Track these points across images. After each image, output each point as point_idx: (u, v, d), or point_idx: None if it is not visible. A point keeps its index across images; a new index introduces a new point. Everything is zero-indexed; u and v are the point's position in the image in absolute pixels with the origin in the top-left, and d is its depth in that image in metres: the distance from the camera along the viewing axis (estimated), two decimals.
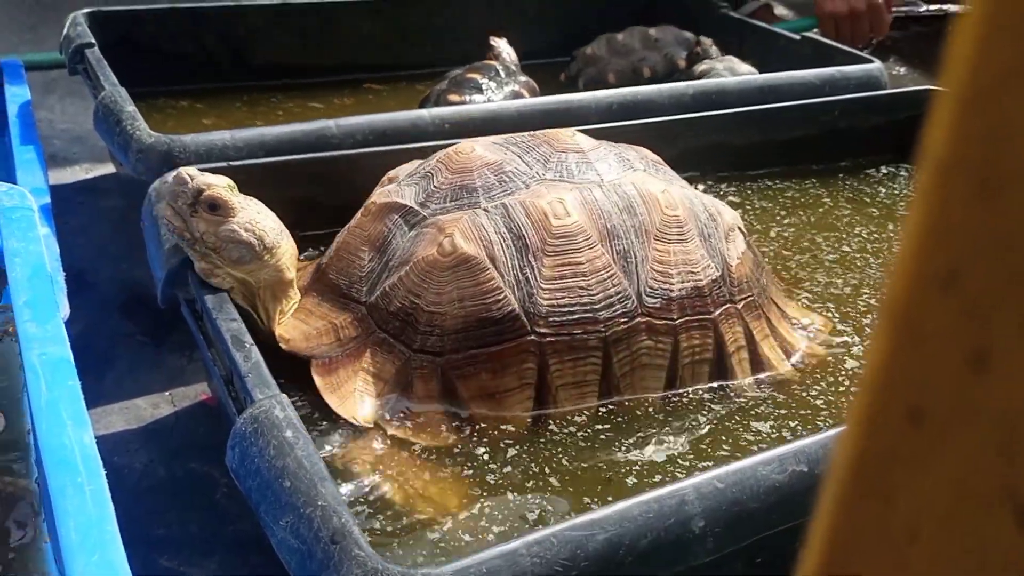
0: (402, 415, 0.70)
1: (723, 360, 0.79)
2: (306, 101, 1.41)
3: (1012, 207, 0.12)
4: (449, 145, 0.91)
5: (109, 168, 1.37)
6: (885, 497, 0.13)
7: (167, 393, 0.96)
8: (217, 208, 0.71)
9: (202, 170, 0.76)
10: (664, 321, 0.76)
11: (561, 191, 0.76)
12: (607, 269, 0.75)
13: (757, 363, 0.81)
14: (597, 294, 0.74)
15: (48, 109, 1.54)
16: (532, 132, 0.85)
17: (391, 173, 0.86)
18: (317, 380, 0.71)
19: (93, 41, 1.19)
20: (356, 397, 0.70)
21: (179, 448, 0.89)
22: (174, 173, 0.85)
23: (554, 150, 0.81)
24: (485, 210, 0.75)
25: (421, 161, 0.85)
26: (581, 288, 0.73)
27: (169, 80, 1.37)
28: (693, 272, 0.78)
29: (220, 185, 0.72)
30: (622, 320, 0.74)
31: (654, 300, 0.76)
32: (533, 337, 0.72)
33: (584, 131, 0.91)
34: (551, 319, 0.72)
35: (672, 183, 0.83)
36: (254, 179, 0.85)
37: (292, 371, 0.73)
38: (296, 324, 0.76)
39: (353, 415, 0.69)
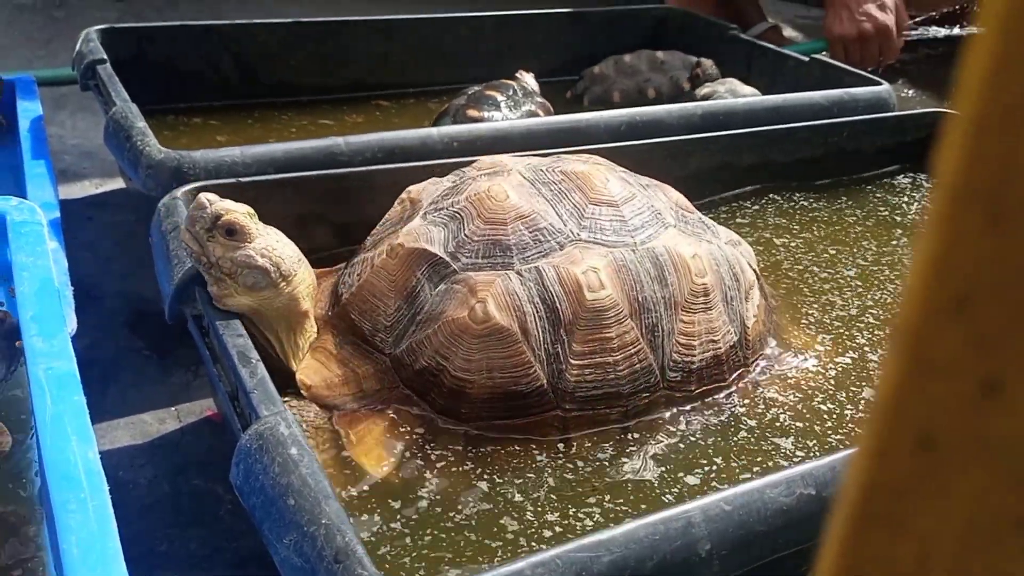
0: (421, 468, 0.70)
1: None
2: (316, 119, 1.42)
3: None
4: (459, 163, 0.91)
5: (119, 183, 1.37)
6: (894, 527, 0.13)
7: (173, 408, 0.96)
8: (234, 233, 0.71)
9: (211, 187, 0.76)
10: (683, 394, 0.77)
11: (596, 258, 0.75)
12: (635, 344, 0.74)
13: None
14: (623, 370, 0.74)
15: (59, 125, 1.55)
16: (562, 168, 0.82)
17: (413, 193, 0.84)
18: (341, 432, 0.70)
19: (105, 57, 1.19)
20: (377, 453, 0.70)
21: (184, 464, 0.89)
22: (185, 189, 0.85)
23: (588, 202, 0.78)
24: (519, 273, 0.73)
25: (446, 185, 0.83)
26: (609, 364, 0.73)
27: (181, 97, 1.38)
28: (714, 341, 0.78)
29: (239, 211, 0.72)
30: (644, 395, 0.75)
31: (676, 374, 0.76)
32: (558, 412, 0.72)
33: (594, 150, 0.92)
34: (577, 395, 0.73)
35: (701, 238, 0.83)
36: (263, 196, 0.85)
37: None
38: (317, 368, 0.75)
39: (375, 471, 0.68)
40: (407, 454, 0.70)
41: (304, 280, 0.74)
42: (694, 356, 0.77)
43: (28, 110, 1.22)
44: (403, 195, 0.85)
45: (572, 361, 0.72)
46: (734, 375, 0.80)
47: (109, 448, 0.90)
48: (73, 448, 0.52)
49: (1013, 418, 0.12)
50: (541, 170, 0.82)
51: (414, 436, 0.71)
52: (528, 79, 1.38)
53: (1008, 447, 0.13)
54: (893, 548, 0.13)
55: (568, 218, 0.77)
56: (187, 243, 0.72)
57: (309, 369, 0.75)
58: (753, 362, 0.82)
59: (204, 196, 0.72)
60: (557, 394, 0.72)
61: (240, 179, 0.89)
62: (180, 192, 0.85)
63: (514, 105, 1.28)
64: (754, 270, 0.86)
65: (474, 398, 0.71)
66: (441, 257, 0.75)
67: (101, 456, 0.89)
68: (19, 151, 1.14)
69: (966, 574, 0.13)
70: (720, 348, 0.79)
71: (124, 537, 0.57)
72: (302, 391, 0.73)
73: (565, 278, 0.73)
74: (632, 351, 0.74)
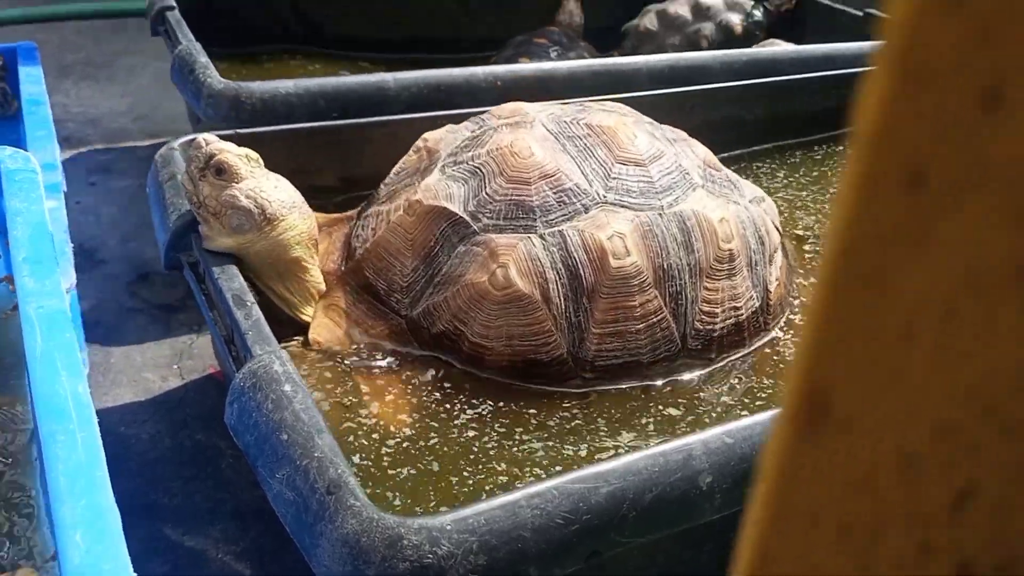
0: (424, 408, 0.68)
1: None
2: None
3: None
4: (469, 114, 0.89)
5: (121, 148, 1.37)
6: (878, 286, 0.11)
7: (175, 366, 0.95)
8: (223, 173, 0.70)
9: (238, 135, 0.76)
10: (703, 360, 0.75)
11: (622, 223, 0.71)
12: (658, 313, 0.72)
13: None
14: (644, 339, 0.71)
15: (63, 93, 1.54)
16: (588, 120, 0.78)
17: (430, 141, 0.80)
18: (363, 386, 0.69)
19: (174, 4, 1.21)
20: (400, 415, 0.68)
21: (186, 419, 0.88)
22: (182, 140, 0.84)
23: (615, 160, 0.75)
24: (542, 237, 0.70)
25: (465, 134, 0.79)
26: (631, 333, 0.71)
27: (244, 44, 1.40)
28: (736, 308, 0.76)
29: (233, 152, 0.71)
30: (664, 364, 0.72)
31: (697, 342, 0.74)
32: (578, 381, 0.70)
33: (630, 100, 0.91)
34: (597, 364, 0.70)
35: (728, 200, 0.79)
36: (266, 146, 0.83)
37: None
38: (331, 327, 0.73)
39: (399, 427, 0.67)
40: (427, 405, 0.68)
41: (294, 227, 0.72)
42: (716, 323, 0.74)
43: (30, 75, 1.21)
44: (419, 143, 0.81)
45: (594, 330, 0.69)
46: (755, 341, 0.77)
47: (112, 405, 0.90)
48: (63, 382, 0.51)
49: (1014, 136, 0.11)
50: (565, 122, 0.78)
51: (438, 388, 0.70)
52: (573, 7, 1.41)
53: (1008, 173, 0.11)
54: (877, 311, 0.12)
55: (594, 178, 0.73)
56: (184, 183, 0.72)
57: (322, 327, 0.73)
58: (774, 326, 0.79)
59: (202, 136, 0.72)
60: (578, 364, 0.70)
61: (238, 131, 0.87)
62: (177, 143, 0.84)
63: (562, 51, 1.34)
64: (777, 228, 0.83)
65: (492, 365, 0.69)
66: (461, 216, 0.72)
67: (103, 413, 0.88)
68: (20, 115, 1.12)
69: (958, 336, 0.12)
70: (742, 314, 0.76)
71: (127, 490, 0.56)
72: (315, 348, 0.71)
73: (590, 244, 0.70)
74: (655, 319, 0.71)
